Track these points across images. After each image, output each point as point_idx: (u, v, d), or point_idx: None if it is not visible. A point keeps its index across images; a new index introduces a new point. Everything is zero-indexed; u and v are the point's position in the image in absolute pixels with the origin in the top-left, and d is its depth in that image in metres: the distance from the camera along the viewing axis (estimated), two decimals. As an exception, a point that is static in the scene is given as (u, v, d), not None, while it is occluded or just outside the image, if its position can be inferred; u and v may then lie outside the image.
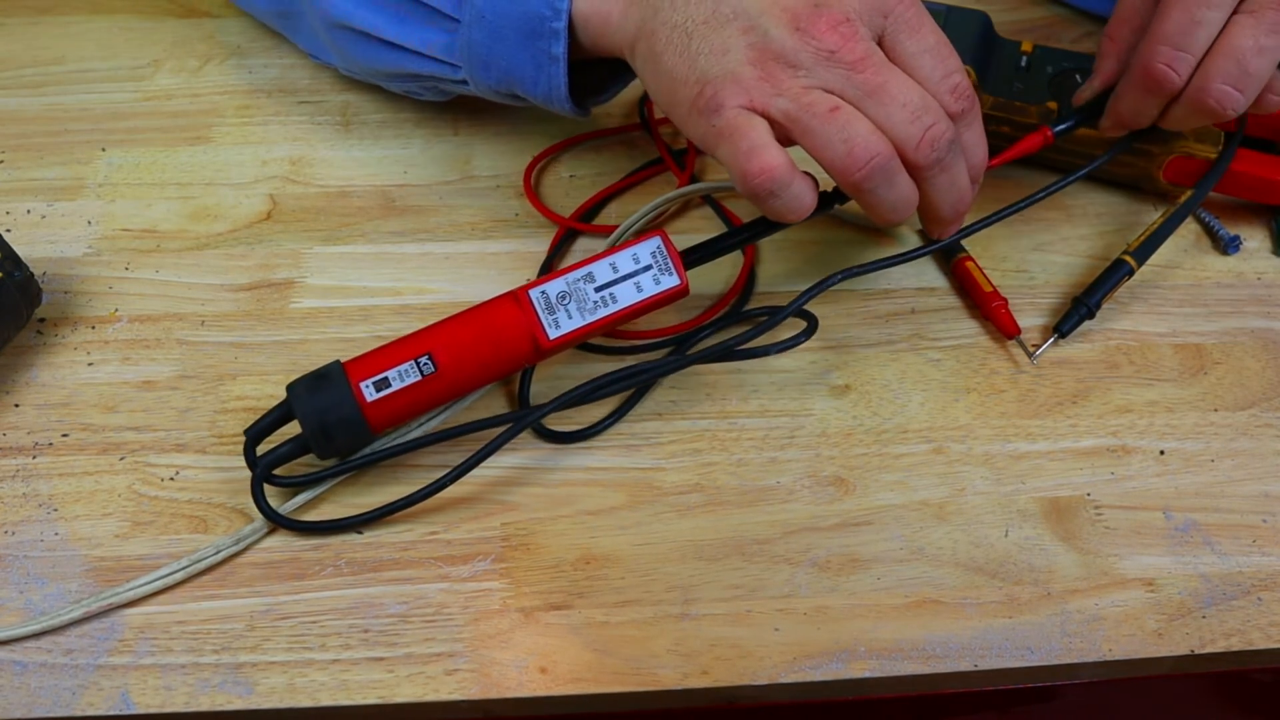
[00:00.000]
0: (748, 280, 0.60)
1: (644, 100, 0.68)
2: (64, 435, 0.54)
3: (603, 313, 0.51)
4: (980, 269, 0.59)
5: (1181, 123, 0.56)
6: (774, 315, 0.53)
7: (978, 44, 0.64)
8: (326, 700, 0.46)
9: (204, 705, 0.46)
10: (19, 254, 0.54)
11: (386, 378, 0.50)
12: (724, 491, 0.53)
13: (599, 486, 0.53)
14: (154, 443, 0.54)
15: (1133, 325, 0.59)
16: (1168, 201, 0.62)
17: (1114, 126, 0.58)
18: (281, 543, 0.51)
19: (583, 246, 0.62)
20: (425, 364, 0.50)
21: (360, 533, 0.51)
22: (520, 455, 0.54)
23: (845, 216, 0.63)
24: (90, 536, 0.51)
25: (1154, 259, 0.59)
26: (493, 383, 0.55)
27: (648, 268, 0.52)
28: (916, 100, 0.49)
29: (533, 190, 0.64)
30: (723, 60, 0.49)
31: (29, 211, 0.63)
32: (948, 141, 0.49)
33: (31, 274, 0.55)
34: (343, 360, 0.51)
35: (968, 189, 0.52)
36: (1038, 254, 0.62)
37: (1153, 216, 0.61)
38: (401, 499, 0.51)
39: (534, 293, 0.51)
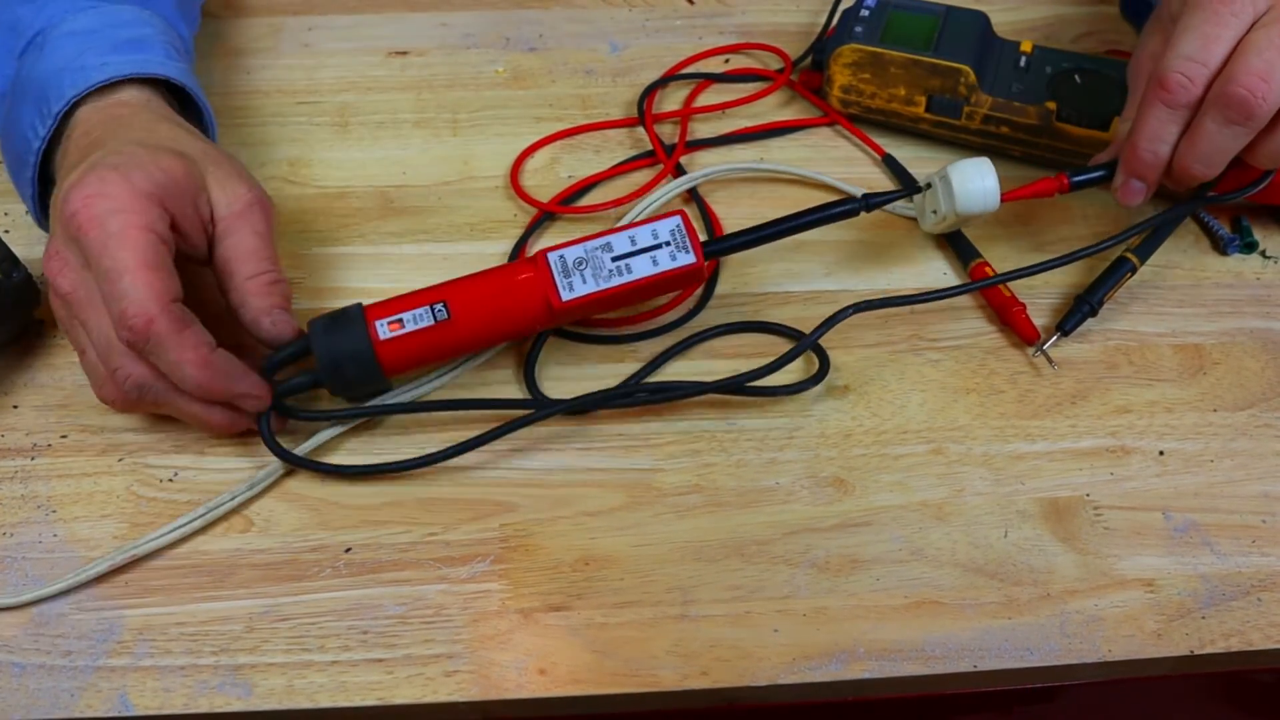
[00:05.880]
0: (708, 283, 0.60)
1: (643, 96, 0.69)
2: (62, 437, 0.54)
3: (616, 281, 0.52)
4: (997, 274, 0.59)
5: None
6: (793, 350, 0.55)
7: (977, 44, 0.64)
8: (325, 701, 0.46)
9: (203, 707, 0.46)
10: (17, 255, 0.54)
11: (401, 319, 0.52)
12: (723, 492, 0.53)
13: (598, 488, 0.53)
14: (152, 444, 0.54)
15: (1132, 325, 0.59)
16: (1166, 202, 0.62)
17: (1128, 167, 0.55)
18: (280, 544, 0.51)
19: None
20: (439, 310, 0.52)
21: (349, 549, 0.51)
22: (519, 457, 0.54)
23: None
24: (89, 538, 0.51)
25: (1153, 259, 0.59)
26: (504, 342, 0.56)
27: (665, 244, 0.53)
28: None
29: (518, 181, 0.65)
30: None
31: (27, 213, 0.62)
32: (135, 384, 0.49)
33: (30, 275, 0.55)
34: (364, 303, 0.52)
35: None
36: (1038, 254, 0.61)
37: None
38: (418, 457, 0.52)
39: (552, 255, 0.52)
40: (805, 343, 0.55)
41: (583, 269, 0.52)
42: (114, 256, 0.47)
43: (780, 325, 0.58)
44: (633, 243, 0.53)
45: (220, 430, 0.52)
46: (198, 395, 0.50)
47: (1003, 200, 0.56)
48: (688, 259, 0.53)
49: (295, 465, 0.52)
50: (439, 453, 0.52)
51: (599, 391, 0.55)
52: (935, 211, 0.58)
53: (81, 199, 0.48)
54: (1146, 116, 0.54)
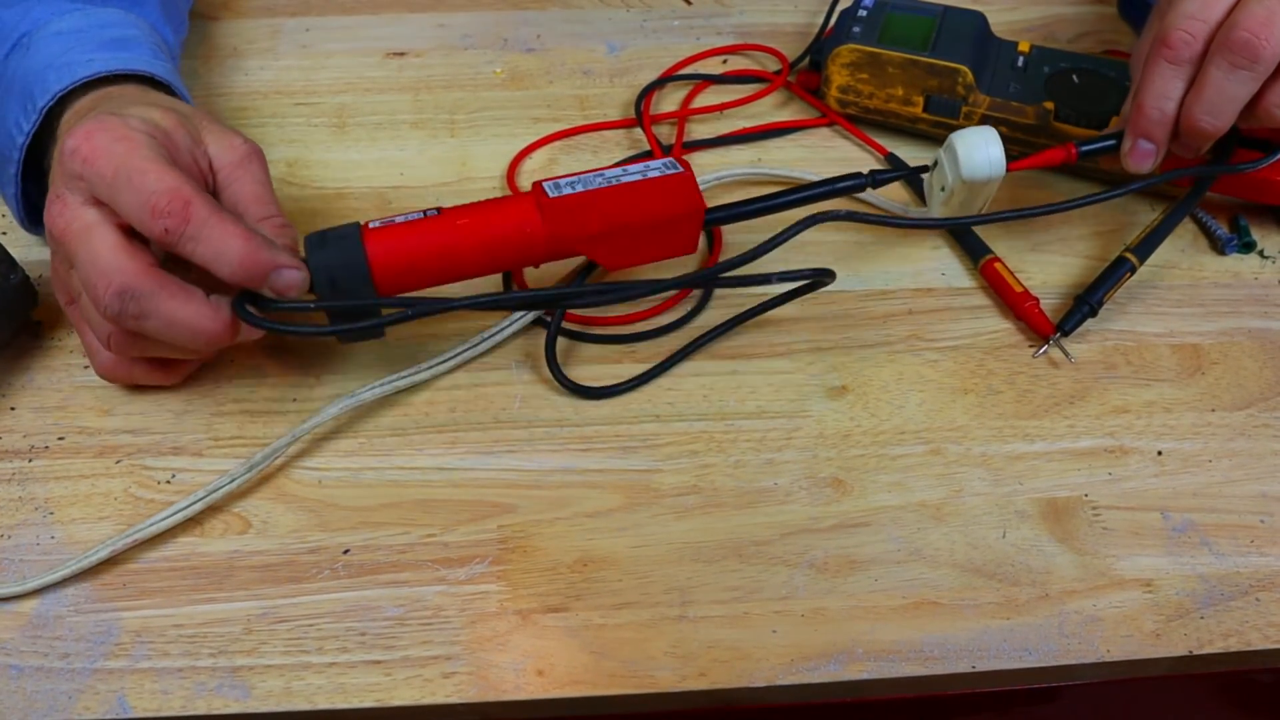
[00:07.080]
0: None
1: (640, 97, 0.69)
2: (60, 438, 0.54)
3: (605, 184, 0.53)
4: (1009, 270, 0.59)
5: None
6: (767, 242, 0.54)
7: (974, 44, 0.64)
8: (323, 703, 0.46)
9: (201, 709, 0.46)
10: (14, 256, 0.54)
11: (392, 219, 0.52)
12: (721, 493, 0.53)
13: (596, 488, 0.53)
14: (150, 445, 0.54)
15: (1130, 325, 0.59)
16: (1164, 201, 0.62)
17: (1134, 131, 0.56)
18: (278, 545, 0.51)
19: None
20: (430, 211, 0.53)
21: (347, 551, 0.51)
22: (517, 458, 0.54)
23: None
24: (87, 540, 0.50)
25: (1152, 259, 0.59)
26: (502, 266, 0.55)
27: (656, 169, 0.54)
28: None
29: (515, 182, 0.65)
30: None
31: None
32: (116, 291, 0.47)
33: (27, 276, 0.55)
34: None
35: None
36: (1035, 254, 0.62)
37: (1150, 217, 0.61)
38: (399, 310, 0.51)
39: (546, 182, 0.54)
40: (781, 236, 0.53)
41: (574, 182, 0.54)
42: (129, 165, 0.47)
43: (773, 304, 0.58)
44: (625, 171, 0.54)
45: (211, 336, 0.49)
46: (238, 276, 0.48)
47: (1010, 169, 0.55)
48: (675, 169, 0.54)
49: (277, 333, 0.51)
50: (423, 302, 0.51)
51: (559, 288, 0.56)
52: (943, 189, 0.58)
53: (82, 135, 0.48)
54: (1151, 75, 0.54)
